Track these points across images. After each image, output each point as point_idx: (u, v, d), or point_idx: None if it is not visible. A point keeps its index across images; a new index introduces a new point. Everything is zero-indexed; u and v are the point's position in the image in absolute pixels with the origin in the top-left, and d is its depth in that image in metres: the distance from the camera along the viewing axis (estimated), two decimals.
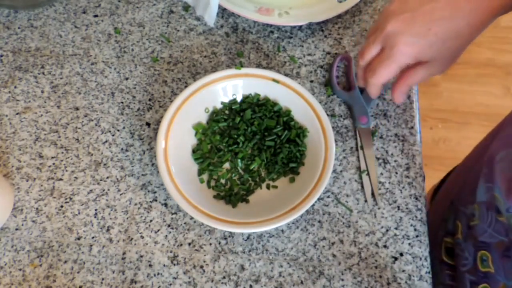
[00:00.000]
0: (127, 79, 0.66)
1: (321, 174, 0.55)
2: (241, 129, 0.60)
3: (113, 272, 0.54)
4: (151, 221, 0.57)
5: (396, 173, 0.60)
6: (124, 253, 0.55)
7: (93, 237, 0.56)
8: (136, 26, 0.70)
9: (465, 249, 0.59)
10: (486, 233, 0.55)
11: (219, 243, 0.56)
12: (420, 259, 0.55)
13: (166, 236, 0.56)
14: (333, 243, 0.56)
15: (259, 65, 0.67)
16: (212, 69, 0.67)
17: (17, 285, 0.53)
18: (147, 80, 0.66)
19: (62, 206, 0.57)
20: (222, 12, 0.71)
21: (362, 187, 0.59)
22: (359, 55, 0.54)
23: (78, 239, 0.55)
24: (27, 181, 0.58)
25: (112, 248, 0.55)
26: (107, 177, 0.59)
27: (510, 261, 0.52)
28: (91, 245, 0.55)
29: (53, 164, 0.60)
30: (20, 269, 0.54)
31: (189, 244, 0.56)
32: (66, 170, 0.59)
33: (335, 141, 0.59)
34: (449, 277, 0.63)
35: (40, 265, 0.54)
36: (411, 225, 0.57)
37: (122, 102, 0.64)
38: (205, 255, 0.55)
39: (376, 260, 0.55)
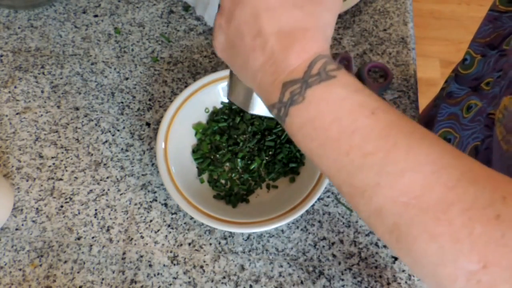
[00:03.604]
0: (127, 79, 0.66)
1: (321, 174, 0.55)
2: (241, 129, 0.60)
3: (113, 272, 0.54)
4: (151, 221, 0.57)
5: None
6: (124, 253, 0.55)
7: (93, 237, 0.56)
8: (136, 26, 0.70)
9: None
10: None
11: (219, 243, 0.56)
12: None
13: (166, 236, 0.56)
14: (333, 243, 0.56)
15: None
16: (212, 69, 0.67)
17: (17, 285, 0.53)
18: (147, 80, 0.66)
19: (62, 206, 0.57)
20: None
21: None
22: None
23: (78, 239, 0.55)
24: (27, 181, 0.58)
25: (112, 248, 0.55)
26: (107, 177, 0.59)
27: None
28: (91, 245, 0.55)
29: (53, 164, 0.60)
30: (20, 269, 0.54)
31: (189, 244, 0.56)
32: (66, 170, 0.59)
33: None
34: None
35: (40, 265, 0.54)
36: None
37: (122, 102, 0.64)
38: (205, 255, 0.55)
39: (376, 260, 0.55)
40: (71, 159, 0.60)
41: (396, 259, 0.55)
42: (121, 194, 0.58)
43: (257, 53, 0.34)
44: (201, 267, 0.54)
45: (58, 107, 0.63)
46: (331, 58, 0.33)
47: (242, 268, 0.55)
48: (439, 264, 0.28)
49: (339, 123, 0.31)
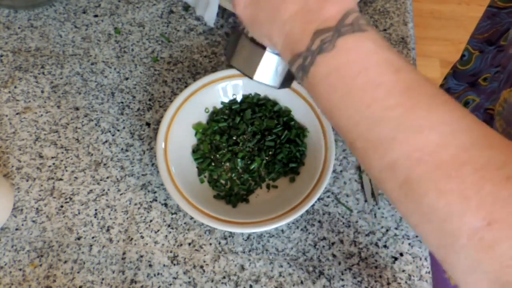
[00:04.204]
0: (127, 79, 0.66)
1: (321, 174, 0.55)
2: (241, 129, 0.60)
3: (113, 272, 0.54)
4: (151, 221, 0.57)
5: None
6: (124, 253, 0.55)
7: (93, 237, 0.56)
8: (136, 26, 0.70)
9: None
10: None
11: (219, 243, 0.56)
12: (420, 259, 0.55)
13: (166, 236, 0.56)
14: (333, 243, 0.56)
15: None
16: (212, 69, 0.67)
17: (17, 285, 0.53)
18: (147, 80, 0.66)
19: (62, 206, 0.57)
20: (222, 12, 0.70)
21: (362, 187, 0.59)
22: None
23: (78, 239, 0.55)
24: (27, 181, 0.58)
25: (112, 248, 0.55)
26: (107, 177, 0.59)
27: None
28: (91, 245, 0.55)
29: (53, 164, 0.60)
30: (20, 269, 0.54)
31: (189, 244, 0.56)
32: (66, 170, 0.59)
33: (335, 141, 0.59)
34: None
35: (40, 265, 0.54)
36: None
37: (122, 102, 0.64)
38: (205, 255, 0.55)
39: (376, 260, 0.55)
40: (71, 159, 0.60)
41: (396, 259, 0.55)
42: (121, 194, 0.58)
43: (289, 2, 0.34)
44: (201, 267, 0.54)
45: (58, 107, 0.63)
46: (363, 15, 0.33)
47: (242, 268, 0.55)
48: (445, 220, 0.28)
49: (366, 74, 0.31)
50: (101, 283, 0.53)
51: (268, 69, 0.40)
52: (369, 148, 0.32)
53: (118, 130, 0.62)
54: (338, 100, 0.33)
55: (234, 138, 0.60)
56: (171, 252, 0.55)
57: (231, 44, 0.42)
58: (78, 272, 0.54)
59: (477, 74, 0.61)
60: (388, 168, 0.30)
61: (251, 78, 0.40)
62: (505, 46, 0.54)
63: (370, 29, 0.33)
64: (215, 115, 0.61)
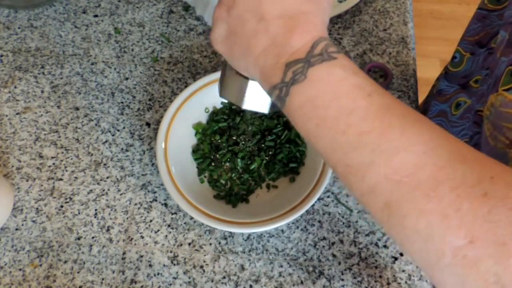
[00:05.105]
0: (127, 79, 0.66)
1: (321, 174, 0.55)
2: (241, 129, 0.60)
3: (113, 272, 0.54)
4: (151, 221, 0.57)
5: None
6: (124, 253, 0.55)
7: (93, 237, 0.56)
8: (136, 26, 0.70)
9: None
10: None
11: (219, 243, 0.56)
12: None
13: (166, 236, 0.56)
14: (333, 243, 0.56)
15: None
16: (212, 69, 0.67)
17: (17, 285, 0.53)
18: (147, 80, 0.66)
19: (62, 206, 0.57)
20: None
21: None
22: None
23: (78, 239, 0.55)
24: (27, 181, 0.58)
25: (112, 248, 0.55)
26: (107, 177, 0.59)
27: None
28: (91, 245, 0.55)
29: (53, 164, 0.60)
30: (20, 269, 0.54)
31: (189, 244, 0.56)
32: (66, 170, 0.59)
33: None
34: None
35: (40, 265, 0.54)
36: None
37: (122, 102, 0.64)
38: (205, 255, 0.55)
39: (376, 260, 0.55)
40: (71, 159, 0.60)
41: (396, 259, 0.55)
42: (121, 194, 0.58)
43: (259, 37, 0.35)
44: (201, 267, 0.54)
45: (58, 107, 0.63)
46: (331, 41, 0.35)
47: (242, 268, 0.55)
48: (428, 239, 0.28)
49: (338, 102, 0.32)
50: (101, 283, 0.53)
51: (255, 97, 0.42)
52: (349, 173, 0.32)
53: (118, 130, 0.62)
54: (314, 129, 0.33)
55: (234, 138, 0.60)
56: (171, 252, 0.55)
57: (221, 76, 0.45)
58: (78, 272, 0.54)
59: (468, 76, 0.61)
60: (369, 191, 0.31)
61: (240, 107, 0.43)
62: (494, 49, 0.54)
63: (340, 56, 0.34)
64: (215, 115, 0.61)
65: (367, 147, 0.31)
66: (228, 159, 0.59)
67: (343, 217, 0.57)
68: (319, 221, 0.57)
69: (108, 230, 0.56)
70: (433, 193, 0.28)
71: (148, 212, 0.57)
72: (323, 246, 0.56)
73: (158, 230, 0.56)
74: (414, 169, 0.29)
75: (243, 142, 0.60)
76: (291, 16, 0.35)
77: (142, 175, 0.59)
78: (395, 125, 0.31)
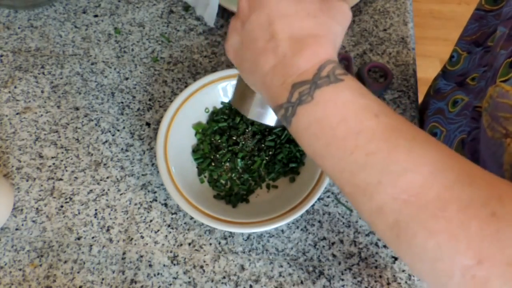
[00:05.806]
0: (127, 79, 0.66)
1: (321, 174, 0.55)
2: (241, 129, 0.60)
3: (113, 272, 0.54)
4: (151, 221, 0.57)
5: None
6: (124, 253, 0.55)
7: (93, 237, 0.56)
8: (136, 26, 0.70)
9: None
10: None
11: (219, 243, 0.56)
12: None
13: (166, 236, 0.56)
14: (333, 243, 0.56)
15: None
16: (212, 69, 0.67)
17: (17, 285, 0.53)
18: (147, 80, 0.66)
19: (62, 206, 0.57)
20: (222, 12, 0.71)
21: None
22: None
23: (78, 239, 0.55)
24: (27, 181, 0.58)
25: (112, 248, 0.55)
26: (107, 177, 0.59)
27: None
28: (91, 245, 0.55)
29: (53, 164, 0.60)
30: (20, 269, 0.54)
31: (189, 244, 0.56)
32: (66, 170, 0.59)
33: None
34: None
35: (40, 265, 0.54)
36: None
37: (122, 102, 0.64)
38: (205, 255, 0.55)
39: (376, 260, 0.55)
40: (71, 159, 0.60)
41: (396, 259, 0.55)
42: (121, 194, 0.58)
43: (268, 56, 0.36)
44: (201, 267, 0.54)
45: (58, 107, 0.63)
46: (339, 64, 0.35)
47: (242, 268, 0.55)
48: (437, 259, 0.28)
49: (345, 123, 0.32)
50: (101, 283, 0.53)
51: (261, 109, 0.43)
52: (356, 193, 0.32)
53: (118, 130, 0.62)
54: (322, 149, 0.34)
55: (234, 138, 0.60)
56: (171, 252, 0.55)
57: (235, 86, 0.46)
58: (78, 272, 0.54)
59: (465, 74, 0.62)
60: (377, 211, 0.31)
61: (246, 117, 0.44)
62: (492, 47, 0.55)
63: (347, 78, 0.34)
64: (215, 115, 0.61)
65: (374, 167, 0.31)
66: (228, 159, 0.59)
67: (343, 217, 0.57)
68: (319, 221, 0.57)
69: (108, 230, 0.56)
70: (441, 213, 0.28)
71: (148, 212, 0.57)
72: (323, 246, 0.56)
73: (158, 230, 0.56)
74: (422, 189, 0.29)
75: (243, 142, 0.60)
76: (301, 38, 0.35)
77: (142, 175, 0.59)
78: (402, 146, 0.31)
